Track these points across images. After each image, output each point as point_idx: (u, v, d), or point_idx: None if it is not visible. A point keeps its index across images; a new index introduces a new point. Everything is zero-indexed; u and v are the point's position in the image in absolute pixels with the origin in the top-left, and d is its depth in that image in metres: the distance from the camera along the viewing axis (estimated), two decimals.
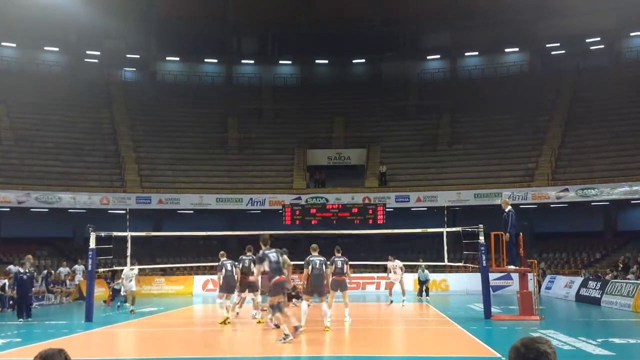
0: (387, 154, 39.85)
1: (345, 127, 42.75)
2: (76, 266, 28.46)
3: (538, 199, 34.22)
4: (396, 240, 34.56)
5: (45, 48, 45.07)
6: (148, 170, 38.52)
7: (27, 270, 19.52)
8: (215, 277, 22.54)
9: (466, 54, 47.65)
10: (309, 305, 14.63)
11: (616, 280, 22.99)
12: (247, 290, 16.29)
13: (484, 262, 17.57)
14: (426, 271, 25.65)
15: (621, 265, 28.28)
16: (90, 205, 34.45)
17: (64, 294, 26.49)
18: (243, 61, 49.10)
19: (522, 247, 17.71)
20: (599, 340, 12.29)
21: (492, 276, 21.45)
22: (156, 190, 36.18)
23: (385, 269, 31.69)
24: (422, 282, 25.73)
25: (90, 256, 17.87)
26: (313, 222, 33.65)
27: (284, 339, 12.13)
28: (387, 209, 33.75)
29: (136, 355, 11.98)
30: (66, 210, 34.79)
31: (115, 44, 46.68)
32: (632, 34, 44.05)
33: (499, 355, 10.42)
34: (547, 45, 46.01)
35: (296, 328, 12.49)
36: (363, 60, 49.00)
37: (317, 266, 14.40)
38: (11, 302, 21.31)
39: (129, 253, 19.75)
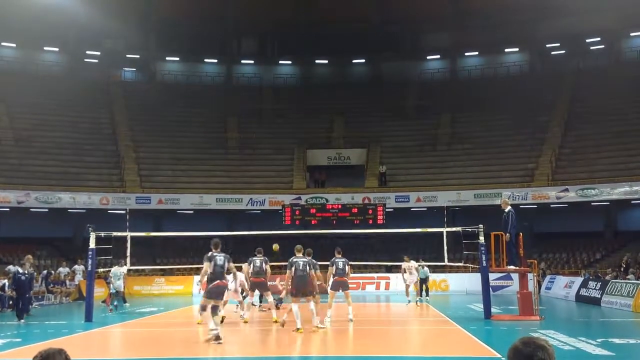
0: (387, 154, 39.83)
1: (345, 127, 42.73)
2: (76, 266, 28.46)
3: (538, 199, 34.20)
4: (396, 241, 34.56)
5: (45, 48, 45.11)
6: (148, 171, 38.48)
7: (26, 271, 19.52)
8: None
9: (466, 54, 47.66)
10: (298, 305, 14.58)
11: (616, 281, 22.99)
12: (256, 290, 16.83)
13: (484, 262, 17.57)
14: (426, 268, 25.62)
15: (624, 265, 28.21)
16: (90, 205, 34.43)
17: (64, 294, 26.49)
18: (243, 61, 49.11)
19: (522, 247, 17.71)
20: (599, 340, 12.28)
21: (492, 276, 21.46)
22: (156, 190, 36.15)
23: (388, 269, 31.79)
24: (423, 281, 25.69)
25: (90, 256, 17.88)
26: (313, 222, 33.62)
27: (215, 338, 12.18)
28: (387, 209, 33.71)
29: (136, 355, 11.95)
30: (66, 210, 34.78)
31: (115, 44, 46.73)
32: (632, 34, 44.05)
33: (498, 355, 10.41)
34: (547, 45, 46.03)
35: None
36: (363, 61, 49.00)
37: (301, 268, 14.17)
38: (11, 302, 21.29)
39: (128, 253, 19.77)
